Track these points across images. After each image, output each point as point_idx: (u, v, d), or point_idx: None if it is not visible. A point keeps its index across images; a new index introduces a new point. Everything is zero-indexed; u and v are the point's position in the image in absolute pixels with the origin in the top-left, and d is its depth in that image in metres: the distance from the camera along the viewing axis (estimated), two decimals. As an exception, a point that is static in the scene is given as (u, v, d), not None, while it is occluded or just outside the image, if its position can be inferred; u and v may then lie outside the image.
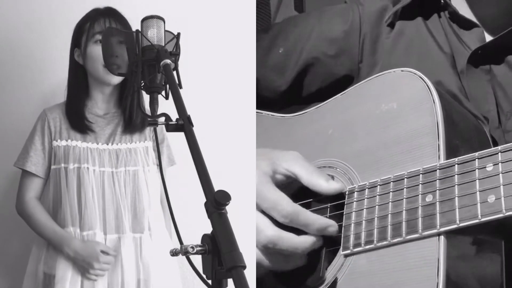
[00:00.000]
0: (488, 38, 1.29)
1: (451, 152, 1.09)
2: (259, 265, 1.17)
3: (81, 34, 1.73)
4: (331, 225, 1.16)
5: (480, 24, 1.30)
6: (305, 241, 1.15)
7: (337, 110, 1.31)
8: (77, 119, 1.73)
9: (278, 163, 1.20)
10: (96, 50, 1.68)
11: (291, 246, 1.14)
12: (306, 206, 1.21)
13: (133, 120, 1.75)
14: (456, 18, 1.33)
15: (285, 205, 1.14)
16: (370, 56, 1.43)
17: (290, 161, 1.20)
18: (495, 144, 1.20)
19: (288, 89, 1.50)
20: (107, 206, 1.70)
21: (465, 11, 1.32)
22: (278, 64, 1.50)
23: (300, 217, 1.14)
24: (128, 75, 1.29)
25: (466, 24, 1.32)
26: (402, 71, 1.22)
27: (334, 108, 1.32)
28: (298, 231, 1.16)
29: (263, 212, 1.16)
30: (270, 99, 1.52)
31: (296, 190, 1.22)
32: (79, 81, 1.76)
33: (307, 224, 1.15)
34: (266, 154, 1.23)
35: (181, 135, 1.03)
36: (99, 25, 1.71)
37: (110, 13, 1.72)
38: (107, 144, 1.74)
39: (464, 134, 1.15)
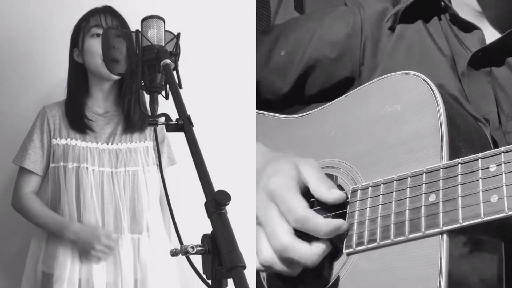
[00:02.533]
0: (489, 40, 1.29)
1: (454, 153, 1.09)
2: (268, 268, 1.15)
3: (78, 33, 1.75)
4: (342, 225, 1.14)
5: (488, 21, 1.30)
6: (315, 254, 1.12)
7: (341, 112, 1.31)
8: (76, 118, 1.74)
9: (302, 170, 1.18)
10: (93, 44, 1.69)
11: (302, 257, 1.11)
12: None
13: (131, 118, 1.75)
14: (457, 21, 1.33)
15: (299, 209, 1.13)
16: (371, 58, 1.43)
17: (308, 168, 1.18)
18: (496, 145, 1.21)
19: (289, 91, 1.51)
20: (106, 207, 1.70)
21: (467, 12, 1.32)
22: (279, 66, 1.50)
23: (310, 221, 1.12)
24: (127, 75, 1.29)
25: (466, 27, 1.32)
26: (406, 73, 1.22)
27: (338, 110, 1.32)
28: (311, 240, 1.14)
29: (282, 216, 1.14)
30: (271, 101, 1.52)
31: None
32: (79, 80, 1.77)
33: (316, 229, 1.12)
34: (287, 157, 1.21)
35: (181, 135, 1.03)
36: (95, 19, 1.72)
37: (107, 10, 1.74)
38: (107, 144, 1.74)
39: (466, 136, 1.15)
